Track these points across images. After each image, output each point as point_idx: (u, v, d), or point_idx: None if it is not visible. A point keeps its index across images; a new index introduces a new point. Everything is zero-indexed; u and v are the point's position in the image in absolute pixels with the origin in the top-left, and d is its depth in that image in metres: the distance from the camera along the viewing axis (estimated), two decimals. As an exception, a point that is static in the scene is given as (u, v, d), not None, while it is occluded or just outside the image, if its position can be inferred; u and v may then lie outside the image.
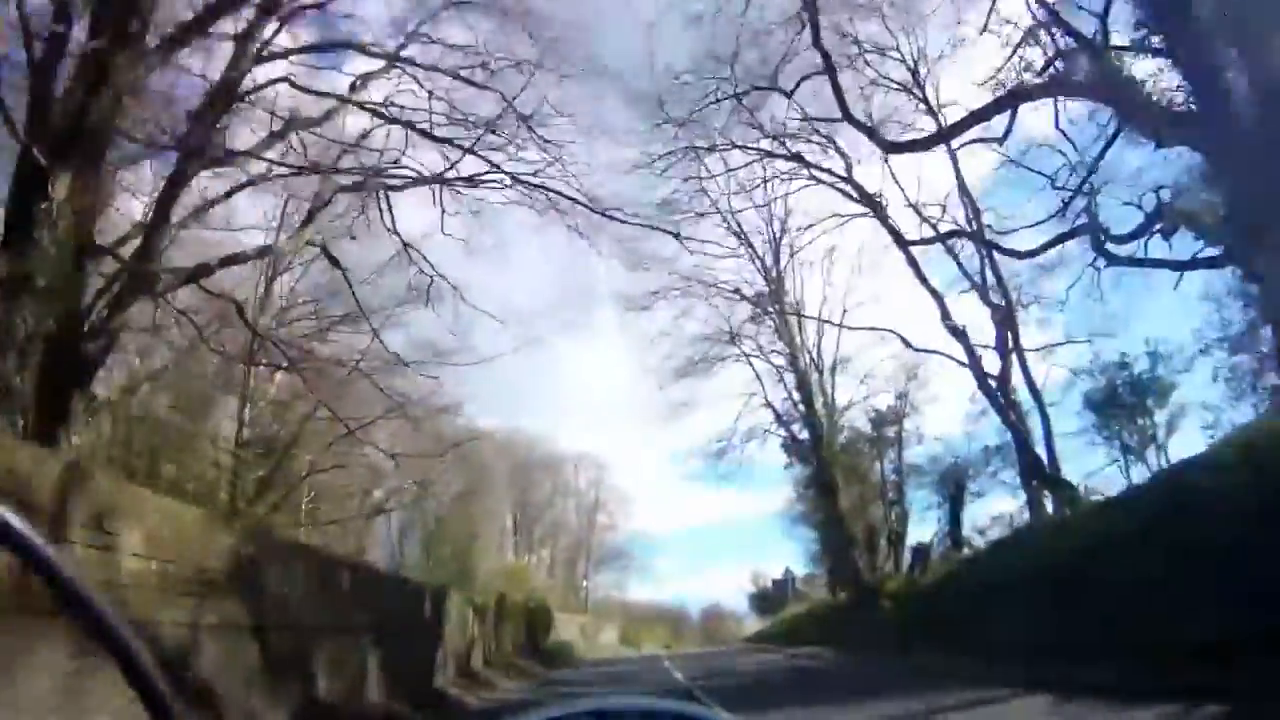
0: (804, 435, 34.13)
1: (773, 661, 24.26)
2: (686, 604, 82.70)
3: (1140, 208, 20.55)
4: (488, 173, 19.62)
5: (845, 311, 34.37)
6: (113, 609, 0.82)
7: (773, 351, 34.19)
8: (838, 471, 32.49)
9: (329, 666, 8.83)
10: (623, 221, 15.92)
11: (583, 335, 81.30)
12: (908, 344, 29.62)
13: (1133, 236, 21.07)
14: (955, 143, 25.40)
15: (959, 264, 29.16)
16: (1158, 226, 20.20)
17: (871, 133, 24.86)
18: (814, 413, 32.79)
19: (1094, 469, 27.72)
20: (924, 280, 28.50)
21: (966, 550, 26.60)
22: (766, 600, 70.24)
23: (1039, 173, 23.30)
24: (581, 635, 51.39)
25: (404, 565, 32.88)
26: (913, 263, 28.76)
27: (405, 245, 23.15)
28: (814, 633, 34.99)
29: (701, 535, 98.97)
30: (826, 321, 32.51)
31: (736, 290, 34.23)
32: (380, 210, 23.31)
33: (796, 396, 33.63)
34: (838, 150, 29.29)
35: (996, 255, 28.22)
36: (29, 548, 0.79)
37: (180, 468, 24.39)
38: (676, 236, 18.67)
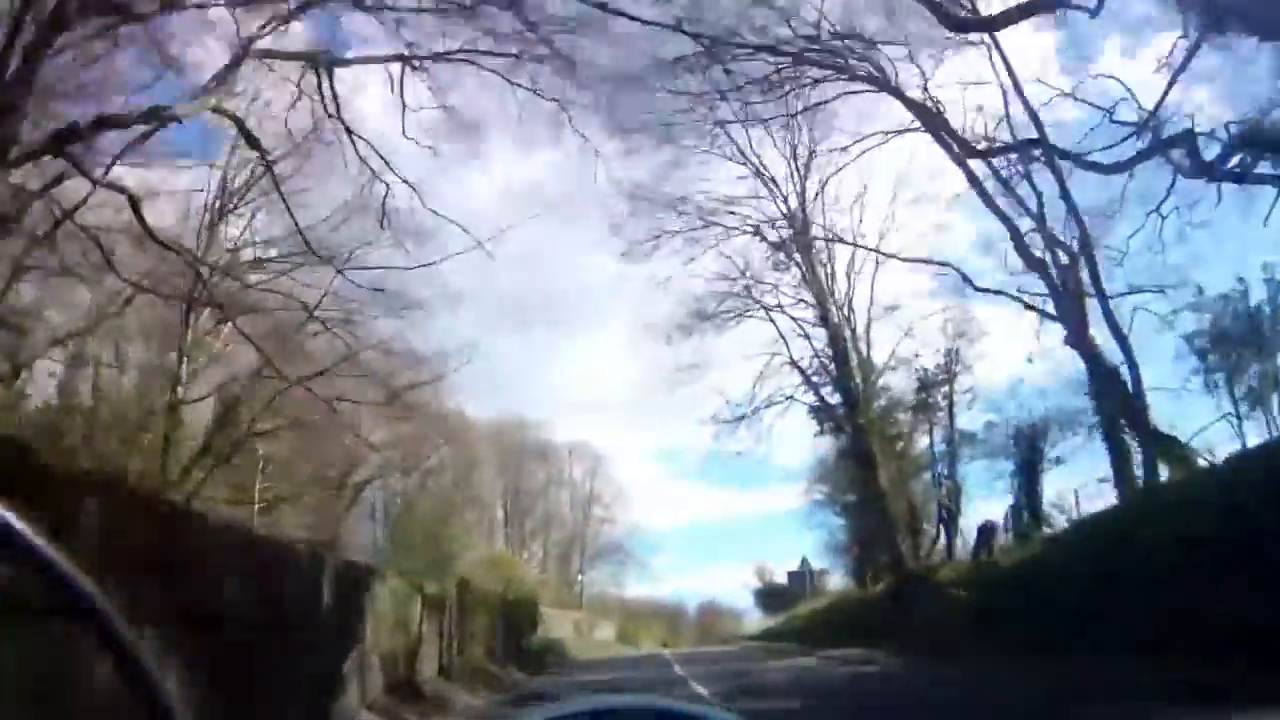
0: (834, 399, 29.16)
1: (813, 668, 19.15)
2: (684, 601, 78.45)
3: (1213, 136, 18.59)
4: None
5: (878, 264, 29.48)
6: (113, 609, 0.81)
7: (799, 301, 29.17)
8: (876, 441, 27.50)
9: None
10: (625, 16, 10.97)
11: (577, 330, 78.17)
12: (968, 281, 24.79)
13: (1207, 168, 19.14)
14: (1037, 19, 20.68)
15: (1011, 191, 24.22)
16: (1234, 161, 18.52)
17: (934, 4, 20.11)
18: (849, 371, 27.77)
19: (1188, 427, 23.00)
20: (989, 201, 23.61)
21: (1047, 528, 21.65)
22: (774, 596, 65.91)
23: (1097, 106, 21.35)
24: (575, 632, 46.49)
25: (385, 555, 28.22)
26: (974, 181, 23.90)
27: (348, 132, 18.69)
28: (842, 630, 29.95)
29: (700, 532, 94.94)
30: (871, 249, 27.49)
31: (756, 229, 29.23)
32: (322, 94, 18.91)
33: (828, 354, 28.59)
34: (875, 67, 24.58)
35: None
36: (29, 548, 0.78)
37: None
38: (696, 39, 13.72)
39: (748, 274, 29.29)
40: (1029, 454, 22.41)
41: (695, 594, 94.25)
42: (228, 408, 26.39)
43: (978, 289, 24.63)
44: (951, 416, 27.36)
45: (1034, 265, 22.66)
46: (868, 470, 27.29)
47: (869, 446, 27.16)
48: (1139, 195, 20.95)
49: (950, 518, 26.26)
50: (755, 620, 67.58)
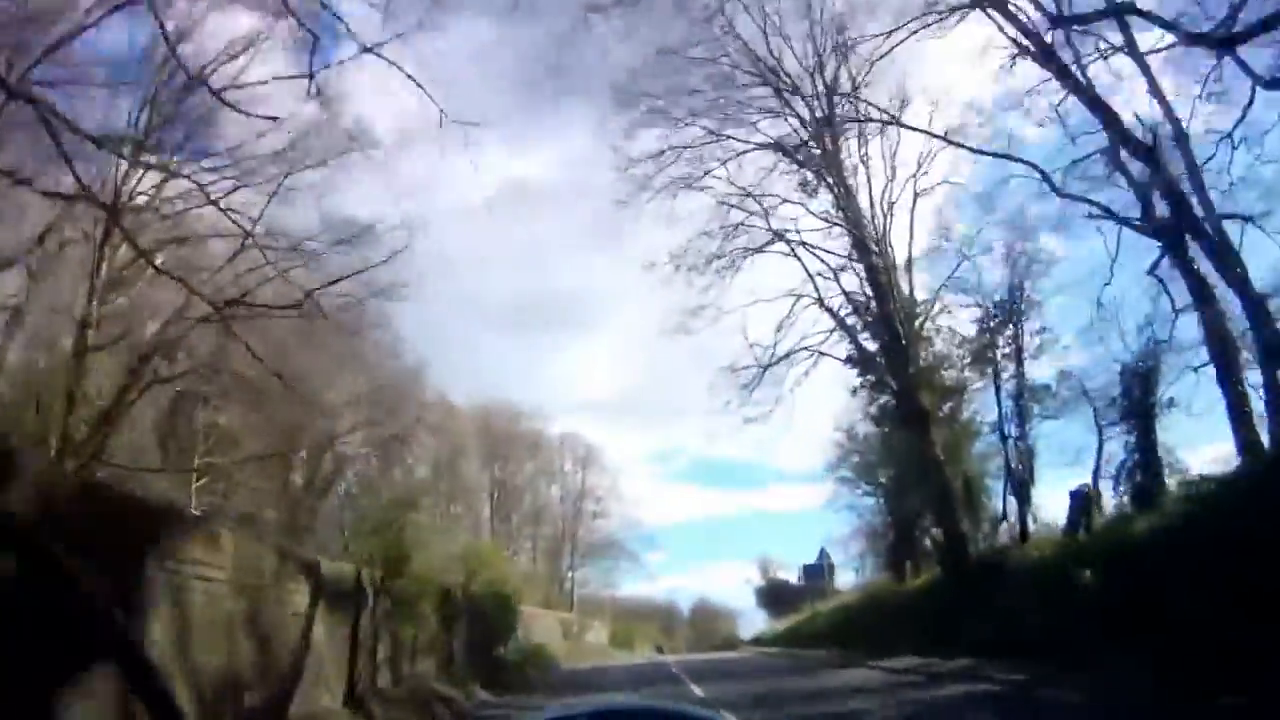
0: (872, 348, 24.16)
1: (904, 688, 13.30)
2: (678, 601, 75.94)
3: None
4: None
5: (916, 196, 24.45)
6: (119, 610, 0.81)
7: (830, 225, 24.12)
8: (926, 395, 22.50)
9: None
10: None
11: (569, 332, 75.65)
12: (1052, 184, 19.76)
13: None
14: None
15: (1083, 93, 19.30)
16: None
17: None
18: (892, 310, 22.74)
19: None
20: (1074, 81, 18.64)
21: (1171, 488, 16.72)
22: (780, 595, 61.40)
23: (1159, 20, 17.71)
24: (564, 635, 41.30)
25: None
26: (1051, 59, 18.96)
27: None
28: (883, 631, 24.90)
29: (693, 531, 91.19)
30: (931, 133, 22.24)
31: (777, 144, 24.19)
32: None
33: (867, 293, 23.53)
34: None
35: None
36: (33, 548, 0.91)
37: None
38: None
39: (764, 200, 24.30)
40: (1142, 397, 17.46)
41: (688, 594, 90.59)
42: (144, 356, 22.03)
43: (1063, 195, 19.63)
44: (1019, 363, 22.37)
45: (1141, 154, 17.77)
46: (917, 434, 22.24)
47: (919, 403, 22.14)
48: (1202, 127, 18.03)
49: (1024, 488, 21.26)
50: (756, 621, 65.14)
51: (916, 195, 24.23)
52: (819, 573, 38.68)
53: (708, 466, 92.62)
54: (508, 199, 67.83)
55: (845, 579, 42.76)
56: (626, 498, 61.27)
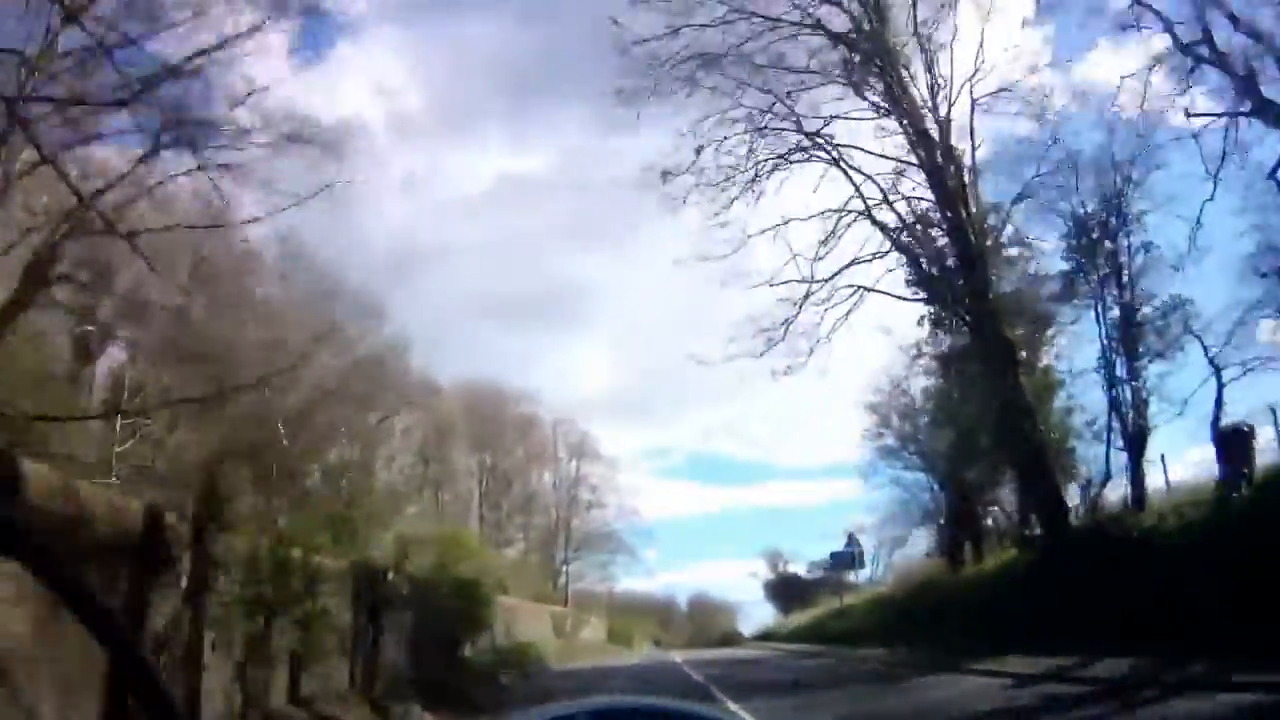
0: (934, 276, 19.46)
1: None
2: (675, 596, 72.35)
3: None
4: None
5: (974, 104, 19.72)
6: (117, 612, 0.80)
7: (885, 114, 19.30)
8: (1010, 328, 17.87)
9: None
10: None
11: (563, 329, 74.10)
12: (1182, 45, 15.03)
13: None
14: None
15: None
16: None
17: None
18: (968, 218, 18.04)
19: None
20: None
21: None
22: (791, 587, 57.36)
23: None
24: (556, 632, 36.69)
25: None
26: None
27: None
28: (940, 626, 20.32)
29: (690, 527, 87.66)
30: None
31: (818, 23, 19.41)
32: None
33: (930, 198, 18.81)
34: None
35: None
36: (32, 549, 0.76)
37: None
38: None
39: (802, 87, 19.58)
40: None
41: (685, 588, 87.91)
42: (29, 270, 17.52)
43: (1187, 50, 14.94)
44: (1122, 286, 17.78)
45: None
46: (999, 376, 17.55)
47: (1003, 336, 17.48)
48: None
49: (1140, 440, 16.62)
50: (756, 615, 62.34)
51: (974, 103, 19.55)
52: (847, 560, 33.89)
53: (704, 463, 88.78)
54: (507, 194, 65.12)
55: (861, 572, 38.43)
56: (623, 488, 56.92)
